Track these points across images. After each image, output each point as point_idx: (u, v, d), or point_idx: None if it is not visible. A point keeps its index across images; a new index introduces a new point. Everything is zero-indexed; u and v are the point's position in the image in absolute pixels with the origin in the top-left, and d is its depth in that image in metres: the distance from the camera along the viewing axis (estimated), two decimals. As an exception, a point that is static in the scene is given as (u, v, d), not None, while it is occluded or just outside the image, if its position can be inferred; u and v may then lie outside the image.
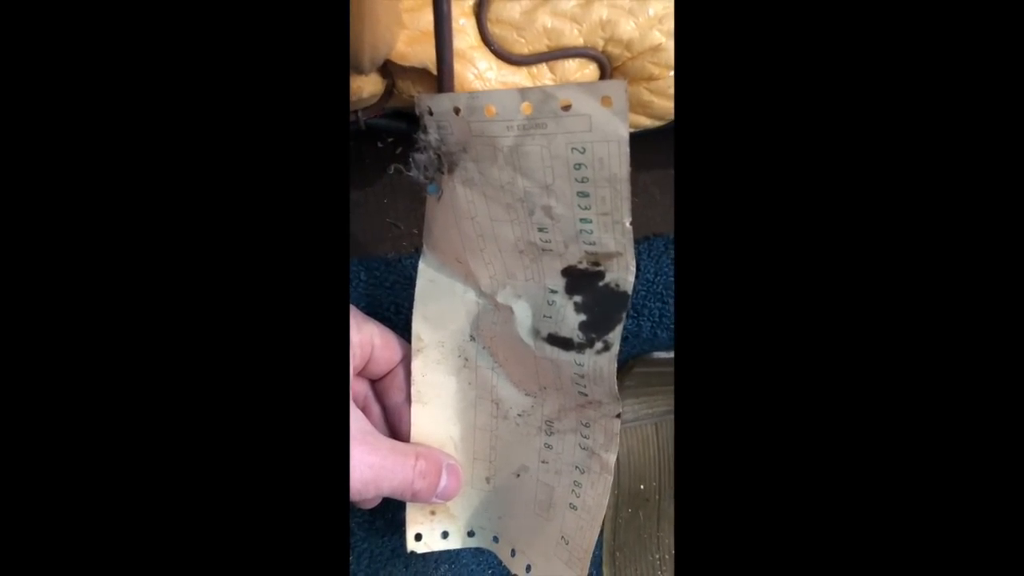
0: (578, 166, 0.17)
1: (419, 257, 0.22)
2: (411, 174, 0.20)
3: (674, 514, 0.32)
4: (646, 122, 0.23)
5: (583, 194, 0.17)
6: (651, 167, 0.30)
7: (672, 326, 0.29)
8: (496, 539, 0.24)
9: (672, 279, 0.28)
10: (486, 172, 0.18)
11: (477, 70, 0.21)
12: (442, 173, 0.20)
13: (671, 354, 0.31)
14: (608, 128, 0.16)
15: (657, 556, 0.34)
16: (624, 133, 0.16)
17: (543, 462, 0.22)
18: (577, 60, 0.21)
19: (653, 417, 0.35)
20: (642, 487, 0.35)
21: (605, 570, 0.32)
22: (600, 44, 0.21)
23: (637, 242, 0.26)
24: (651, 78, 0.21)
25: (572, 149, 0.17)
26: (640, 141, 0.17)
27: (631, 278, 0.18)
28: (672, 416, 0.33)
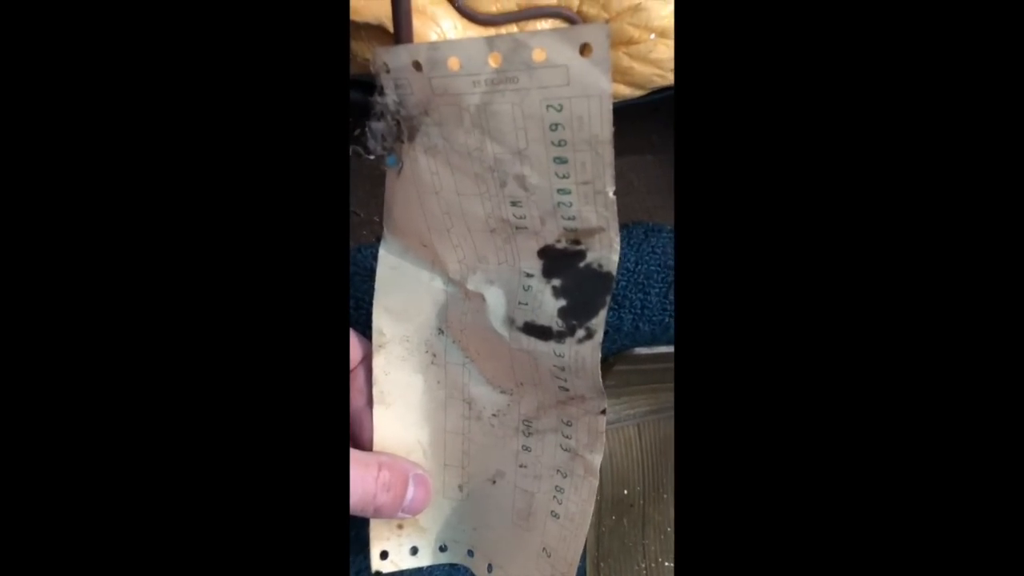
0: (554, 126, 0.15)
1: (380, 245, 0.20)
2: (369, 146, 0.18)
3: (674, 515, 0.31)
4: (625, 91, 0.21)
5: (560, 160, 0.15)
6: (628, 151, 0.28)
7: (654, 319, 0.27)
8: (471, 553, 0.22)
9: (653, 268, 0.27)
10: (451, 137, 0.16)
11: (440, 29, 0.18)
12: (402, 142, 0.18)
13: (653, 350, 0.29)
14: (588, 81, 0.14)
15: (643, 565, 0.33)
16: (607, 86, 0.14)
17: (521, 466, 0.20)
18: (550, 21, 0.19)
19: (635, 418, 0.34)
20: (626, 492, 0.34)
21: (589, 582, 0.30)
22: (575, 3, 0.19)
23: (616, 229, 0.24)
24: (630, 41, 0.20)
25: (547, 107, 0.15)
26: (617, 117, 0.15)
27: (615, 257, 0.17)
28: (656, 417, 0.32)
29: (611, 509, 0.31)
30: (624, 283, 0.26)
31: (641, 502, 0.33)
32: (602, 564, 0.31)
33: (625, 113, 0.22)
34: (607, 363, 0.29)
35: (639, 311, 0.27)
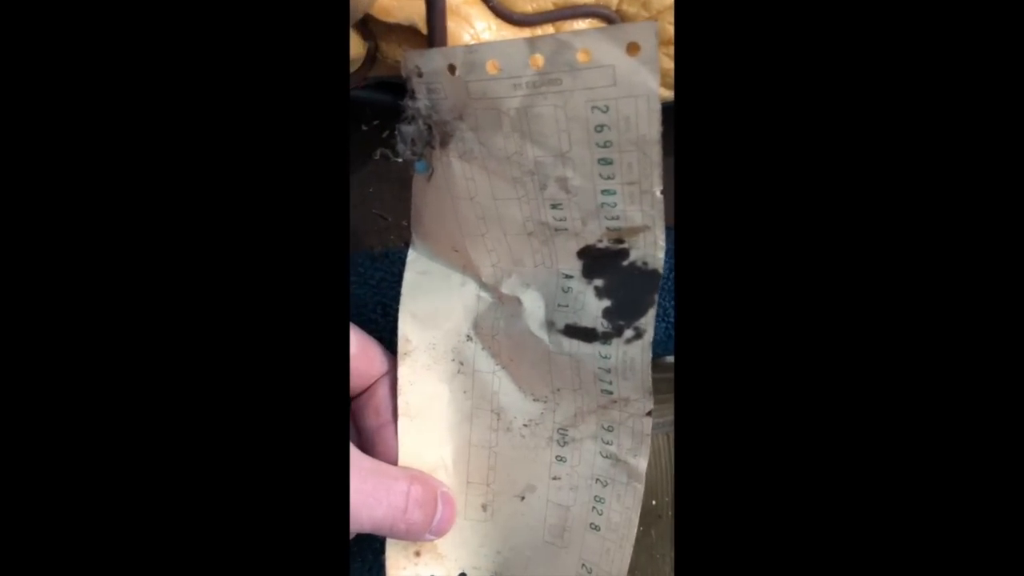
0: (599, 128, 0.14)
1: (407, 250, 0.20)
2: (398, 150, 0.17)
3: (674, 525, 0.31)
4: (665, 93, 0.21)
5: (605, 161, 0.15)
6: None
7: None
8: None
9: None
10: (488, 142, 0.16)
11: (474, 30, 0.18)
12: (433, 148, 0.17)
13: None
14: (635, 80, 0.14)
15: None
16: (655, 86, 0.14)
17: (554, 479, 0.19)
18: (588, 20, 0.19)
19: (665, 427, 0.33)
20: (654, 503, 0.33)
21: (615, 594, 0.30)
22: (613, 2, 0.19)
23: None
24: (671, 41, 0.19)
25: (593, 108, 0.14)
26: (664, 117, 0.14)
27: (661, 255, 0.16)
28: None
29: (639, 520, 0.31)
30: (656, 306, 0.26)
31: (669, 513, 0.32)
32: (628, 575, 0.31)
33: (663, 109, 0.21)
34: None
35: (671, 319, 0.26)
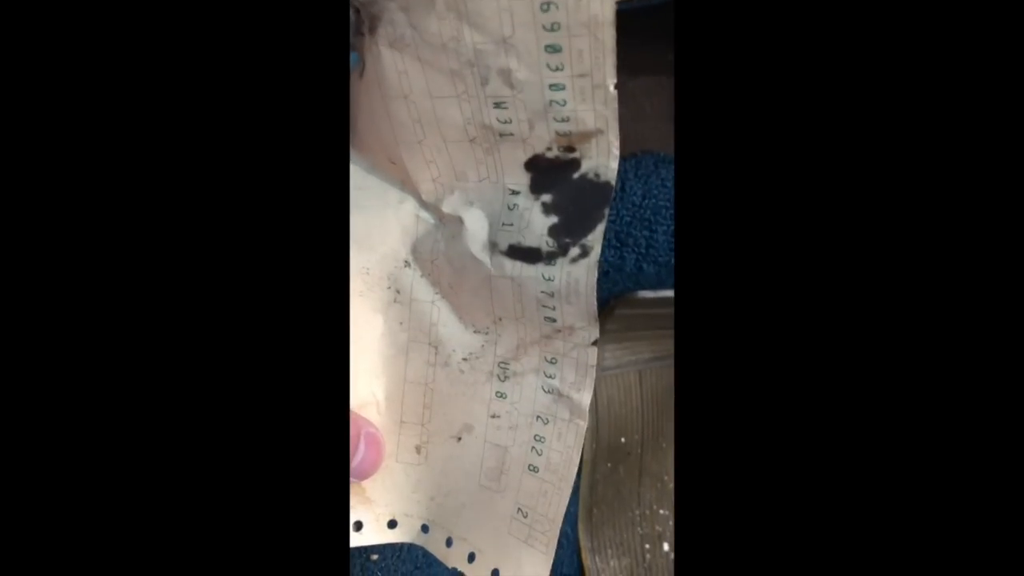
0: (545, 6, 0.12)
1: None
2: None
3: (674, 462, 0.31)
4: (636, -20, 0.18)
5: (553, 48, 0.13)
6: (642, 71, 0.25)
7: (660, 259, 0.25)
8: (426, 528, 0.19)
9: (662, 203, 0.24)
10: (420, 25, 0.13)
11: None
12: (362, 34, 0.15)
13: (658, 293, 0.28)
14: None
15: (637, 512, 0.32)
16: None
17: (493, 416, 0.18)
18: None
19: (637, 364, 0.33)
20: (623, 440, 0.33)
21: (581, 527, 0.30)
22: None
23: (623, 159, 0.22)
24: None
25: None
26: (630, 24, 0.12)
27: (614, 164, 0.14)
28: (658, 364, 0.31)
29: (607, 457, 0.31)
30: (628, 219, 0.24)
31: (639, 451, 0.32)
32: (595, 510, 0.31)
33: (638, 23, 0.19)
34: (608, 306, 0.27)
35: (644, 251, 0.25)
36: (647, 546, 0.33)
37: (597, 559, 0.32)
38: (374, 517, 0.19)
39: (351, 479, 0.18)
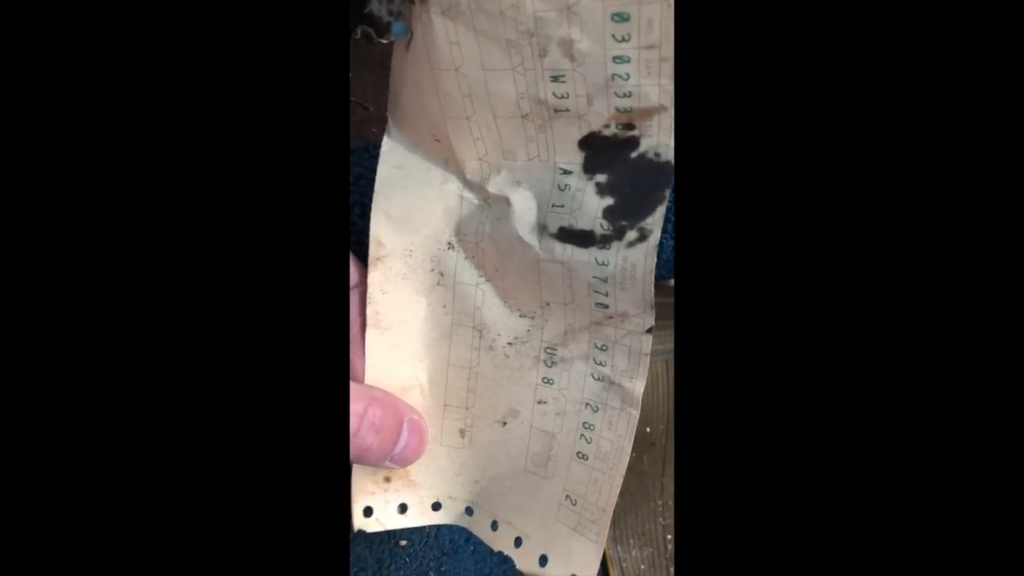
0: None
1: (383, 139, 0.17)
2: (371, 8, 0.14)
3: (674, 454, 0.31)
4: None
5: (621, 17, 0.12)
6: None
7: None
8: (470, 511, 0.19)
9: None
10: None
11: None
12: (412, 2, 0.14)
13: None
14: None
15: (660, 502, 0.32)
16: None
17: (540, 402, 0.18)
18: None
19: (665, 354, 0.32)
20: (648, 430, 0.33)
21: (603, 516, 0.30)
22: None
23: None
24: None
25: None
26: None
27: (672, 142, 0.13)
28: None
29: (632, 446, 0.31)
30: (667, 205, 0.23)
31: (663, 441, 0.32)
32: (618, 499, 0.31)
33: None
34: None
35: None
36: (669, 536, 0.33)
37: (619, 548, 0.31)
38: (418, 499, 0.19)
39: (393, 466, 0.17)
